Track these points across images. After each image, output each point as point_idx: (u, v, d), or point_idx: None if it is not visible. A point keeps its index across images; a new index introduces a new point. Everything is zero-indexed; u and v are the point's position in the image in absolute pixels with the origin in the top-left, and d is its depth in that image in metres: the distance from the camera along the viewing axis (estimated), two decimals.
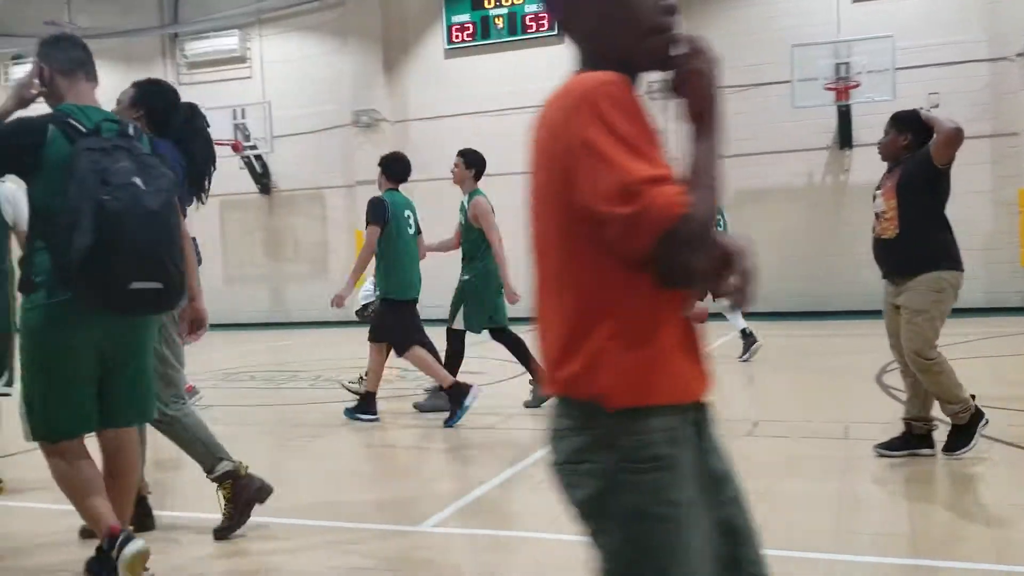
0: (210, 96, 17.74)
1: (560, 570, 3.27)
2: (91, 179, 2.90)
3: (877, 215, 4.72)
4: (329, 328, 16.40)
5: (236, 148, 16.78)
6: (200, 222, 17.34)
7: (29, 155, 3.00)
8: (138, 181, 2.97)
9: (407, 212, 6.83)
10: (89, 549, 3.26)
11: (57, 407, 3.07)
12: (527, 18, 16.08)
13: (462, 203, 7.11)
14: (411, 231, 6.82)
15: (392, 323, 6.56)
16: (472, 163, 7.18)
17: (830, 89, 13.82)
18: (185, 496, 4.72)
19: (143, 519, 3.82)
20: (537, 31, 16.06)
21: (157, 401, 3.50)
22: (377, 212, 6.58)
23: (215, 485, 3.84)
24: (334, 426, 6.52)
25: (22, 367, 3.15)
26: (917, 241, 4.55)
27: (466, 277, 7.04)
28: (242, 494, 3.80)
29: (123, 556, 2.94)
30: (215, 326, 17.62)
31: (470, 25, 16.44)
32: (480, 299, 6.83)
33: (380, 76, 16.88)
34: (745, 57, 15.02)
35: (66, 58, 3.28)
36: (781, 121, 14.48)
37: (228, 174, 17.58)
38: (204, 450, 3.91)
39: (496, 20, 16.28)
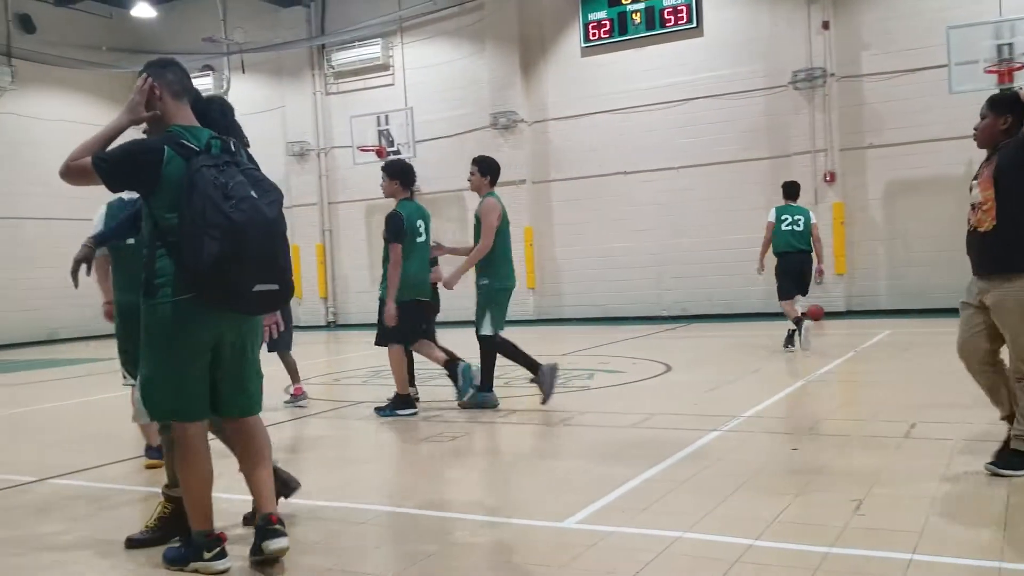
0: (355, 104, 18.48)
1: (709, 570, 3.22)
2: (216, 194, 3.20)
3: (973, 206, 4.34)
4: (471, 328, 16.70)
5: (380, 153, 17.34)
6: (346, 226, 18.05)
7: (149, 173, 3.28)
8: (254, 194, 3.28)
9: (419, 221, 7.18)
10: (248, 535, 3.47)
11: (176, 393, 3.37)
12: (665, 12, 15.86)
13: (476, 210, 7.34)
14: (421, 239, 7.10)
15: (399, 321, 6.90)
16: (487, 170, 7.45)
17: (991, 72, 12.95)
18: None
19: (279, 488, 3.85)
20: (676, 24, 15.82)
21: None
22: (396, 230, 7.01)
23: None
24: (478, 423, 6.64)
25: (144, 357, 3.44)
26: (1016, 235, 4.16)
27: (484, 281, 7.33)
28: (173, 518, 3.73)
29: (271, 546, 3.35)
30: (363, 325, 18.12)
31: (607, 22, 16.37)
32: (499, 300, 7.30)
33: (517, 77, 17.06)
34: (897, 42, 14.31)
35: (177, 82, 3.53)
36: (937, 108, 13.70)
37: (374, 178, 18.18)
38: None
39: (633, 15, 16.14)
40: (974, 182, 4.38)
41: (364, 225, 19.04)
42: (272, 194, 3.37)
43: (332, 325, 19.10)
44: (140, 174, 3.32)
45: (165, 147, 3.31)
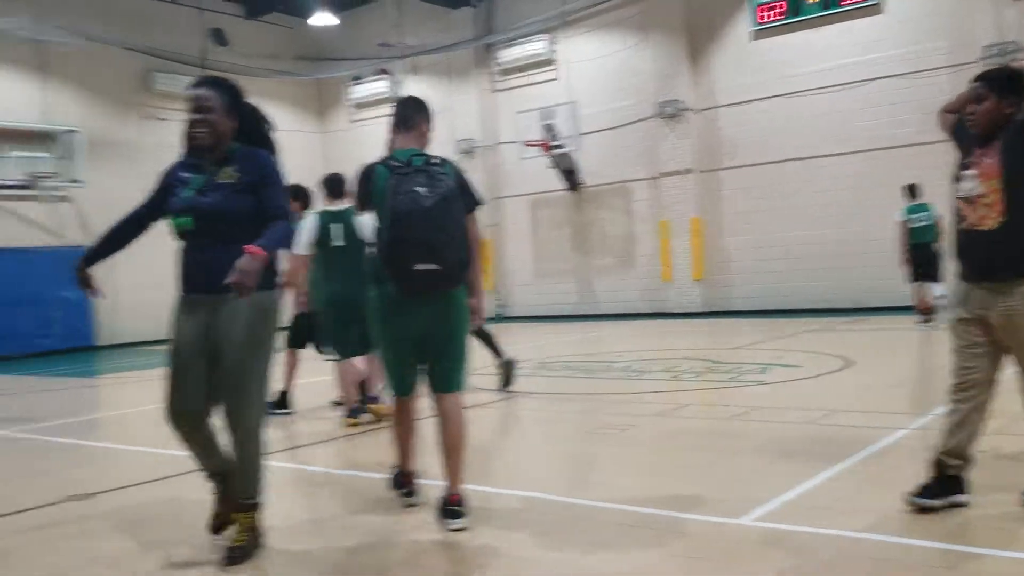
0: (520, 100, 18.73)
1: (898, 571, 3.07)
2: (388, 192, 3.84)
3: (968, 200, 3.68)
4: (637, 320, 16.63)
5: (545, 148, 17.50)
6: (512, 220, 18.36)
7: (366, 191, 4.01)
8: (420, 189, 3.81)
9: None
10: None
11: (389, 371, 4.15)
12: None
13: None
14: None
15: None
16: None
17: None
18: (495, 474, 5.02)
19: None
20: (854, 2, 15.06)
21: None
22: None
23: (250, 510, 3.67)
24: (647, 415, 6.61)
25: (375, 340, 4.22)
26: None
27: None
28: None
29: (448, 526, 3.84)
30: (527, 318, 18.50)
31: (780, 4, 15.78)
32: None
33: (684, 65, 16.76)
34: None
35: (397, 117, 4.23)
36: None
37: (538, 173, 18.44)
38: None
39: None
40: (967, 172, 3.71)
41: (529, 219, 19.28)
42: (439, 188, 3.82)
43: (498, 317, 19.49)
44: (366, 195, 4.04)
45: (376, 166, 4.02)
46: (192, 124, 3.58)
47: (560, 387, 8.45)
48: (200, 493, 4.02)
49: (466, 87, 19.77)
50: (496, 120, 19.53)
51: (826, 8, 15.35)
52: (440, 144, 19.79)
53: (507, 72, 19.37)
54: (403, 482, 4.33)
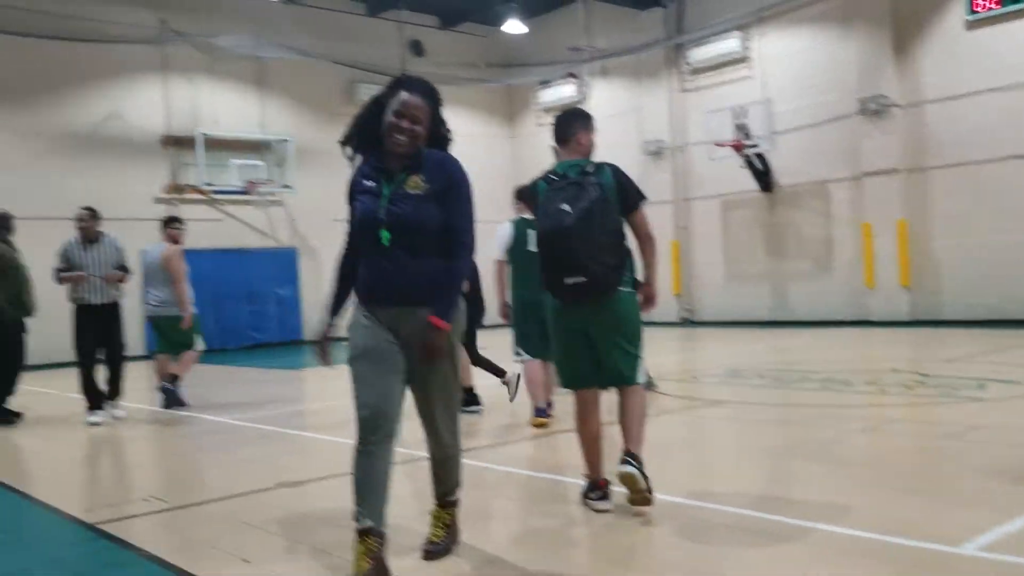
0: (711, 100, 18.30)
1: None
2: (540, 211, 4.23)
3: None
4: (836, 328, 15.81)
5: (737, 148, 16.99)
6: (701, 222, 18.00)
7: (531, 202, 4.63)
8: (565, 206, 4.06)
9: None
10: None
11: (560, 368, 4.45)
12: None
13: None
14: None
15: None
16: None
17: None
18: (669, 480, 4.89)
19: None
20: None
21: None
22: None
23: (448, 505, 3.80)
24: (852, 431, 6.24)
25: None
26: None
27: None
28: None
29: (619, 471, 4.09)
30: (717, 323, 18.07)
31: None
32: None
33: (889, 58, 15.76)
34: None
35: (556, 132, 4.49)
36: None
37: (728, 174, 17.93)
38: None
39: None
40: None
41: (719, 221, 18.79)
42: (582, 202, 4.05)
43: (686, 322, 19.11)
44: (532, 204, 4.68)
45: (538, 180, 4.38)
46: (398, 130, 3.37)
47: (753, 396, 8.14)
48: (401, 487, 4.16)
49: (655, 88, 19.54)
50: (685, 121, 19.18)
51: None
52: (627, 146, 19.96)
53: (697, 71, 18.97)
54: (593, 487, 4.36)
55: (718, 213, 18.83)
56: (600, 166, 4.24)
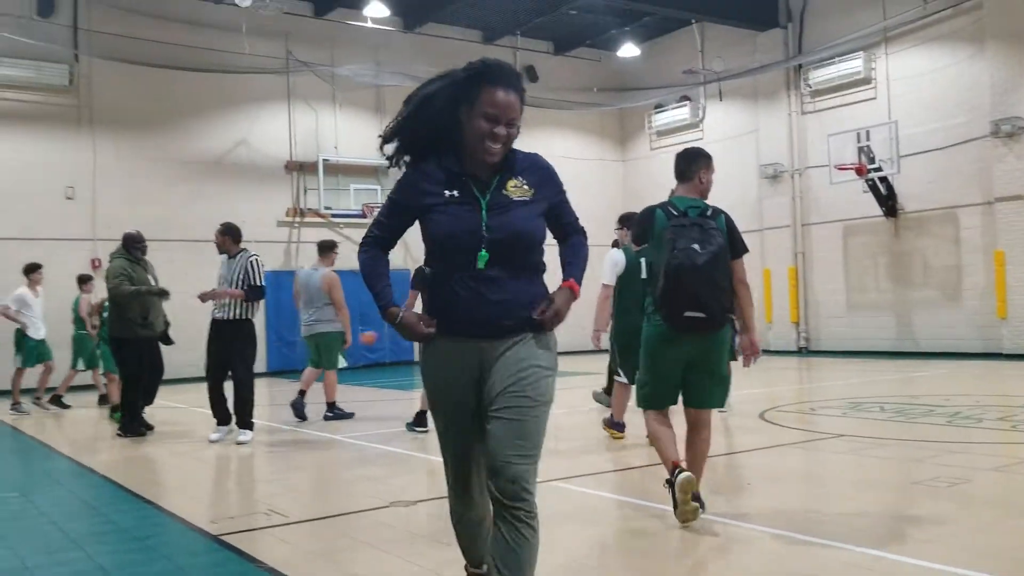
0: (833, 122, 17.80)
1: None
2: (668, 245, 4.44)
3: None
4: (964, 360, 15.03)
5: (860, 172, 16.45)
6: (821, 248, 17.43)
7: (643, 229, 4.80)
8: (696, 246, 4.40)
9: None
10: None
11: (651, 388, 4.77)
12: None
13: None
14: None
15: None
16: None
17: None
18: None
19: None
20: None
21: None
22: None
23: None
24: (983, 469, 5.91)
25: (641, 361, 4.83)
26: None
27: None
28: None
29: (678, 480, 4.45)
30: (838, 353, 17.42)
31: None
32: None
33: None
34: None
35: (677, 168, 4.81)
36: None
37: (851, 198, 17.35)
38: None
39: None
40: None
41: (840, 247, 18.20)
42: (711, 247, 4.44)
43: (804, 351, 18.53)
44: (644, 233, 4.87)
45: (656, 210, 4.65)
46: (493, 138, 2.74)
47: (875, 430, 7.81)
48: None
49: (773, 110, 19.15)
50: (805, 143, 18.71)
51: None
52: (745, 168, 19.65)
53: (818, 93, 18.50)
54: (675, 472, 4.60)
55: (839, 239, 18.23)
56: (717, 211, 4.63)
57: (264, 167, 18.50)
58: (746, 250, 4.72)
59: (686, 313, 4.41)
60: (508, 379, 2.75)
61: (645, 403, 4.82)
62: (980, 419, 8.13)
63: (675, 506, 4.47)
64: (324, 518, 5.13)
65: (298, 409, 9.71)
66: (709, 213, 4.57)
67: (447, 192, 2.79)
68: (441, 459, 3.04)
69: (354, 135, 19.30)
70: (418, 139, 2.88)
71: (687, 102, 20.93)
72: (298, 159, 18.78)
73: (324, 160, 18.74)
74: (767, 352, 17.79)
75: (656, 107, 21.80)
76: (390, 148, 2.95)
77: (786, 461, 6.64)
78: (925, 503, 5.10)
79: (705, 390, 4.68)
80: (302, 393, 9.81)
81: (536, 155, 2.94)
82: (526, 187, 2.83)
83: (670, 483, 4.53)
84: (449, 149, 2.84)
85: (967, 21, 15.88)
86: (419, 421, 8.37)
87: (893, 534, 4.44)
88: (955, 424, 7.88)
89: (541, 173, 2.89)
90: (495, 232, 2.75)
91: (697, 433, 4.75)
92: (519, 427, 2.72)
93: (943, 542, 4.18)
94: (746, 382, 12.05)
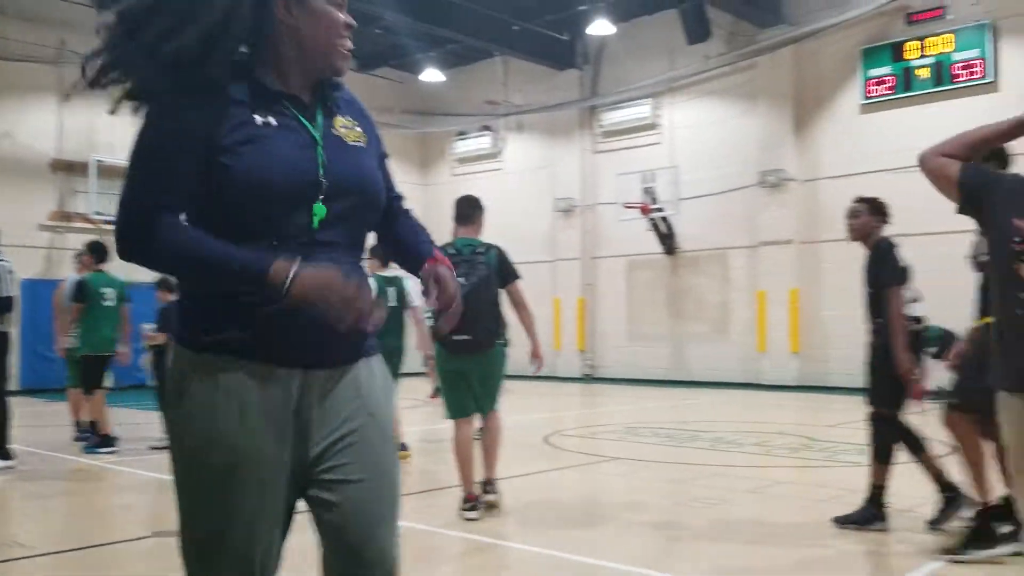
0: (622, 162, 18.83)
1: None
2: None
3: None
4: (730, 389, 16.27)
5: (644, 211, 17.50)
6: (607, 280, 18.11)
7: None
8: (461, 280, 4.71)
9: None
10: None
11: (449, 403, 5.61)
12: (956, 66, 14.77)
13: None
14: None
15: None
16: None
17: None
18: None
19: None
20: (968, 79, 14.69)
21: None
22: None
23: None
24: (738, 491, 6.41)
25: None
26: None
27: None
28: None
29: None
30: (619, 380, 18.17)
31: (890, 78, 15.51)
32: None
33: (789, 135, 16.59)
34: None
35: (458, 213, 5.62)
36: None
37: (636, 235, 18.41)
38: None
39: (919, 71, 15.18)
40: None
41: (624, 280, 19.22)
42: (473, 278, 5.25)
43: (588, 378, 19.36)
44: None
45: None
46: (348, 30, 1.93)
47: (647, 453, 8.30)
48: None
49: (568, 146, 20.00)
50: (596, 180, 19.65)
51: (938, 84, 14.99)
52: (541, 200, 20.18)
53: (609, 134, 19.52)
54: (467, 499, 5.42)
55: (624, 273, 19.26)
56: (490, 247, 5.50)
57: (28, 165, 16.93)
58: (517, 276, 5.63)
59: (454, 337, 5.21)
60: (345, 426, 1.90)
61: (450, 414, 5.63)
62: (740, 444, 8.83)
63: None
64: (75, 550, 4.75)
65: (96, 440, 8.38)
66: (481, 250, 5.47)
67: (258, 118, 1.82)
68: None
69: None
70: (191, 37, 1.75)
71: (488, 132, 21.42)
72: (67, 158, 17.34)
73: (98, 161, 17.30)
74: (556, 378, 18.47)
75: (458, 134, 22.16)
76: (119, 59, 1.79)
77: (564, 482, 6.91)
78: (688, 522, 5.47)
79: (487, 398, 5.63)
80: (93, 424, 8.50)
81: (351, 93, 2.08)
82: (359, 130, 2.01)
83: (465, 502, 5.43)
84: (242, 60, 1.86)
85: (743, 79, 17.36)
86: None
87: (659, 552, 4.73)
88: (717, 449, 8.52)
89: (367, 119, 2.09)
90: (337, 179, 1.86)
91: (488, 431, 5.72)
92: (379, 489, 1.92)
93: (704, 559, 4.50)
94: (533, 407, 12.41)
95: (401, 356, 7.44)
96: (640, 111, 18.70)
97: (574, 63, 19.71)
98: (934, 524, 4.88)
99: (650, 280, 18.76)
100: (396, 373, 7.11)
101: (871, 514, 5.04)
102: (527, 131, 20.73)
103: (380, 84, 21.96)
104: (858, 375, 15.77)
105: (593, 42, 19.42)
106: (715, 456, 8.04)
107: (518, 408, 12.47)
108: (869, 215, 5.56)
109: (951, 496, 4.84)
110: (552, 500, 6.12)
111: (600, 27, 17.95)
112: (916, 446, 4.99)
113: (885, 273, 5.14)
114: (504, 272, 5.53)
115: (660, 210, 17.52)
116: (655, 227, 17.80)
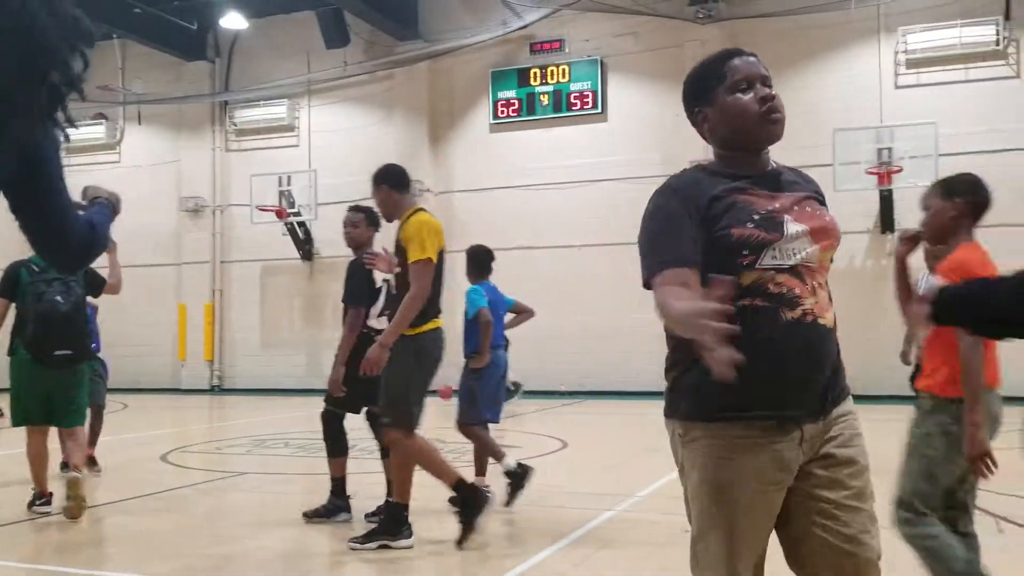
0: (257, 162, 18.15)
1: None
2: (30, 296, 5.44)
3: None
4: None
5: (280, 214, 17.00)
6: (240, 286, 17.29)
7: (8, 285, 5.65)
8: (59, 298, 5.39)
9: None
10: None
11: (20, 414, 5.62)
12: (571, 96, 16.26)
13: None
14: None
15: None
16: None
17: (872, 173, 13.80)
18: None
19: None
20: (582, 108, 16.22)
21: None
22: None
23: None
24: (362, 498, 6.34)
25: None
26: None
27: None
28: None
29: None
30: (252, 390, 17.38)
31: (516, 101, 16.64)
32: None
33: (425, 148, 17.09)
34: (795, 140, 15.02)
35: None
36: None
37: (271, 239, 17.80)
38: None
39: (541, 97, 16.48)
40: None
41: (258, 286, 18.50)
42: (71, 296, 5.46)
43: (216, 389, 18.33)
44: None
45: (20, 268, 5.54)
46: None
47: (277, 466, 7.96)
48: None
49: (198, 142, 18.81)
50: (229, 180, 18.71)
51: (557, 111, 16.40)
52: (165, 198, 18.67)
53: (243, 132, 18.70)
54: (40, 495, 5.55)
55: (257, 278, 18.53)
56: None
57: None
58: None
59: (56, 352, 5.39)
60: None
61: (16, 422, 5.59)
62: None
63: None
64: None
65: None
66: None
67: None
68: None
69: None
70: None
71: (103, 120, 19.44)
72: None
73: None
74: (181, 391, 17.21)
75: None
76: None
77: (185, 504, 6.36)
78: (318, 538, 5.28)
79: (67, 412, 5.60)
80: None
81: None
82: None
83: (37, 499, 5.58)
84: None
85: (381, 88, 17.57)
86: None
87: (288, 571, 4.49)
88: (354, 456, 8.38)
89: None
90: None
91: (63, 441, 5.64)
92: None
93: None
94: (154, 423, 11.41)
95: None
96: (276, 111, 18.16)
97: (205, 55, 18.63)
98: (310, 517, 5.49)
99: (286, 286, 18.26)
100: None
101: (336, 507, 5.58)
102: (150, 123, 19.18)
103: None
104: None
105: (226, 35, 18.52)
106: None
107: (135, 425, 11.38)
108: (368, 225, 5.79)
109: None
110: (161, 527, 5.58)
111: (233, 20, 17.19)
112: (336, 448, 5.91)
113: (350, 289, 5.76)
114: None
115: (297, 214, 17.14)
116: (292, 232, 17.38)
